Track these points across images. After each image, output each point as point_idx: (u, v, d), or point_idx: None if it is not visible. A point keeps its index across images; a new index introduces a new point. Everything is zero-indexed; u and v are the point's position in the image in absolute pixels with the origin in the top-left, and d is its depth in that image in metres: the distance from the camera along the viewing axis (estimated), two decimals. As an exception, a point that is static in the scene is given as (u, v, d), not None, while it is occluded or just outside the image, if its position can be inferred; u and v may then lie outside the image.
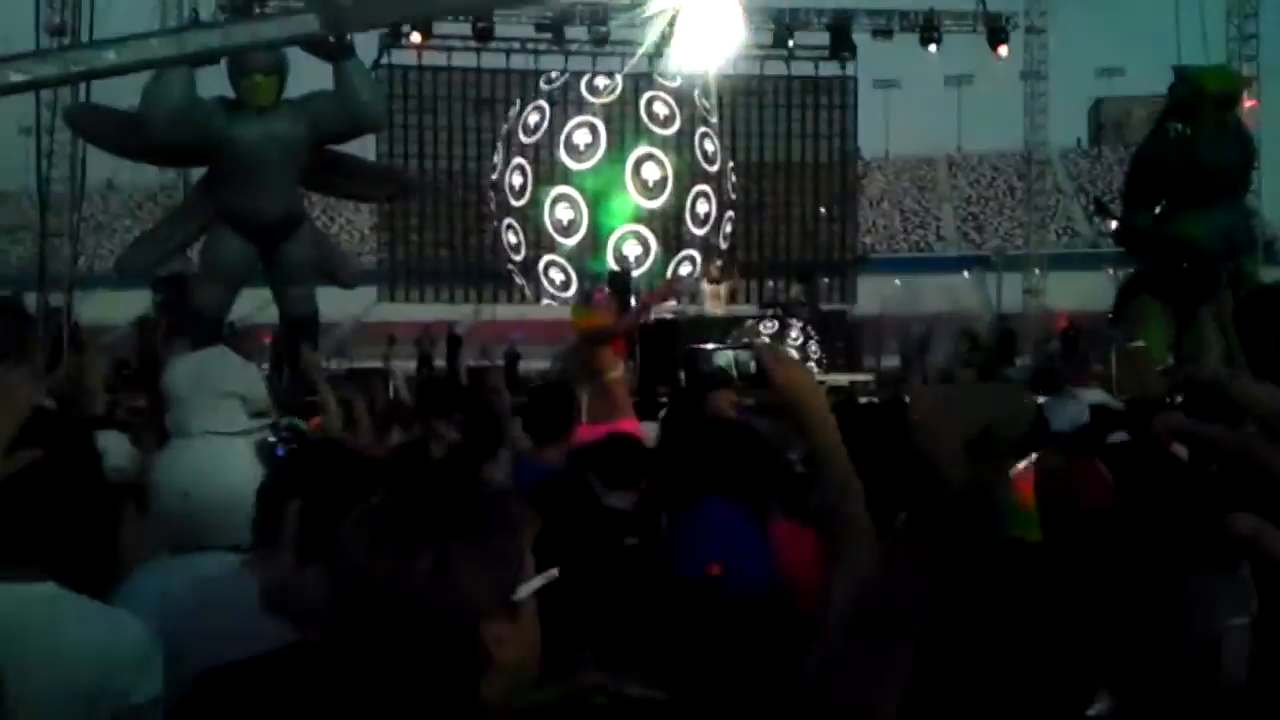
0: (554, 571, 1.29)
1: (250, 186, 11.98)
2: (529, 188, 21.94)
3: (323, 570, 1.31)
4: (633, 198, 21.72)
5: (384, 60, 21.79)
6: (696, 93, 22.10)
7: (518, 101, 22.41)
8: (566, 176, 21.80)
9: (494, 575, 1.24)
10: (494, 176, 22.34)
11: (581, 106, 21.77)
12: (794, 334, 14.50)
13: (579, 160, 21.76)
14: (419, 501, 1.30)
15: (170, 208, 13.72)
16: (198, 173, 14.36)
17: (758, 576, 2.50)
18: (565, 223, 21.70)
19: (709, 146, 22.20)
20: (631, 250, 21.55)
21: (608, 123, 21.77)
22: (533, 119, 22.28)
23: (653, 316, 12.38)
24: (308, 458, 2.25)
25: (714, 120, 22.37)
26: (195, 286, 13.19)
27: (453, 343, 23.03)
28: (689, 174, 21.95)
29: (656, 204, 21.82)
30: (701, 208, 22.03)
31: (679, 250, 21.96)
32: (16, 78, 3.31)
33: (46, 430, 1.66)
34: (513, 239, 22.31)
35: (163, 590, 2.14)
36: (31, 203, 17.87)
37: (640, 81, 21.81)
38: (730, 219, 22.71)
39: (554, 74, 22.13)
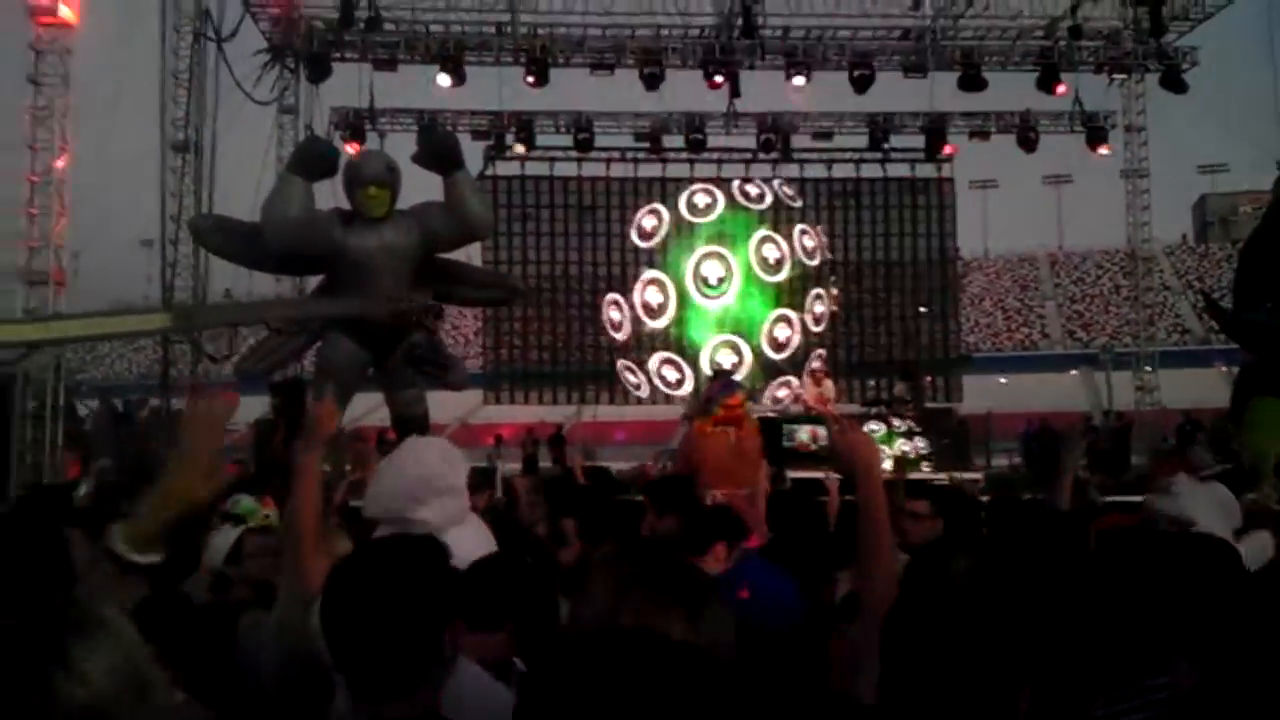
0: None
1: (365, 293, 12.34)
2: (669, 305, 20.05)
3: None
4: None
5: (489, 171, 22.52)
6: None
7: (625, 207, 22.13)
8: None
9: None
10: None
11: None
12: (901, 430, 14.34)
13: (699, 216, 20.24)
14: (670, 565, 1.31)
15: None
16: (313, 282, 14.87)
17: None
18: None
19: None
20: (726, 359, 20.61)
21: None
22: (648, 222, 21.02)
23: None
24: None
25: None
26: (311, 390, 13.56)
27: (557, 443, 23.27)
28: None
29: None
30: (781, 332, 20.25)
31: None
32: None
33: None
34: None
35: None
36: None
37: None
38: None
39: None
